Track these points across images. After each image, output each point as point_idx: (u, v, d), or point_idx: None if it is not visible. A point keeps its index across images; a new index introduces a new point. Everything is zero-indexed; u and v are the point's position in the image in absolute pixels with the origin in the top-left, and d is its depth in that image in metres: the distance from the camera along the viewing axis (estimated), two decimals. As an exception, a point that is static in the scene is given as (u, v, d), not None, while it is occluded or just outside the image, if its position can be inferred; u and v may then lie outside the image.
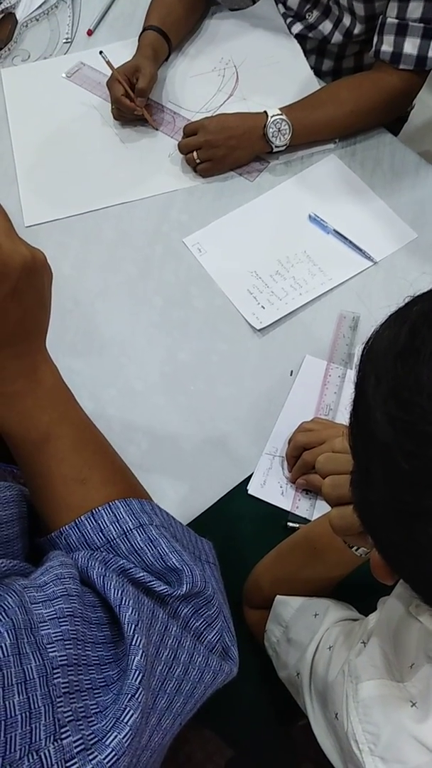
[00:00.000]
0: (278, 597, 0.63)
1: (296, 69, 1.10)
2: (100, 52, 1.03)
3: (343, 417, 0.81)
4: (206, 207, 0.99)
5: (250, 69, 1.10)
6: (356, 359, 0.37)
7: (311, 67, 1.10)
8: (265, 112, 0.97)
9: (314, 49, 1.13)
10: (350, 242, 0.94)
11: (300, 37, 1.11)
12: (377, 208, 0.97)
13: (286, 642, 0.61)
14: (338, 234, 0.94)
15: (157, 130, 1.05)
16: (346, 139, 1.03)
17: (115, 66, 1.01)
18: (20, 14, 1.20)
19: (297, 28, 1.11)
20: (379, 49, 0.96)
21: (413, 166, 1.01)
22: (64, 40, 1.17)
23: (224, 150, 0.97)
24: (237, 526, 0.76)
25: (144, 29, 1.06)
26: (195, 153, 0.98)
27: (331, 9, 1.05)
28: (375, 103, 0.99)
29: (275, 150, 0.99)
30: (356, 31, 1.02)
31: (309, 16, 1.08)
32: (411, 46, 0.93)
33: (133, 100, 1.00)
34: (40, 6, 1.20)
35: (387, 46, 0.94)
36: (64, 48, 1.16)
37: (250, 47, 1.12)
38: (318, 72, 1.12)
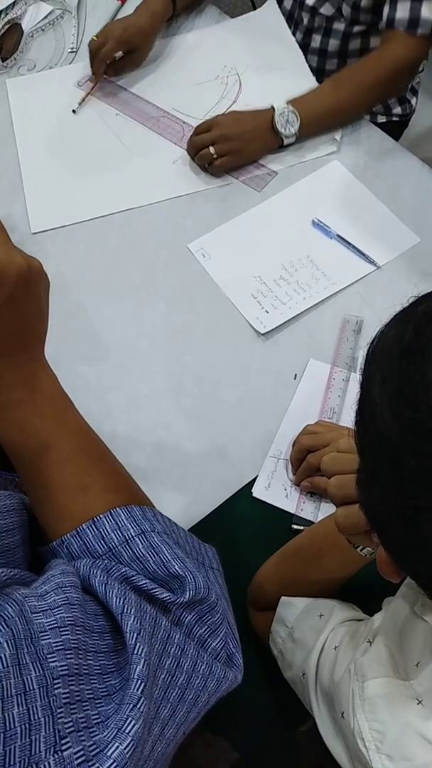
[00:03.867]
0: (283, 598, 0.64)
1: (298, 75, 1.11)
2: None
3: (347, 420, 0.82)
4: (210, 213, 1.00)
5: (253, 76, 1.12)
6: (360, 362, 0.37)
7: (317, 48, 1.11)
8: (272, 106, 0.99)
9: (321, 26, 1.14)
10: (353, 247, 0.94)
11: (313, 10, 1.12)
12: (380, 213, 0.98)
13: (292, 643, 0.61)
14: (341, 239, 0.95)
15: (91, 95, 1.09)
16: (349, 140, 1.04)
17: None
18: (26, 25, 1.21)
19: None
20: (392, 17, 0.96)
21: (416, 171, 1.02)
22: (69, 50, 1.18)
23: (239, 143, 0.99)
24: (242, 528, 0.77)
25: None
26: (211, 148, 0.99)
27: None
28: (378, 78, 1.00)
29: (285, 142, 1.01)
30: (363, 4, 1.03)
31: None
32: (428, 10, 0.94)
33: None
34: (45, 17, 1.22)
35: (402, 13, 0.95)
36: (69, 58, 1.18)
37: (252, 54, 1.14)
38: (324, 52, 1.13)
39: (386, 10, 0.98)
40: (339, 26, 1.12)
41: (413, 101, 1.27)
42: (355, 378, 0.84)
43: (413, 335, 0.34)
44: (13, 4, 1.22)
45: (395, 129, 1.25)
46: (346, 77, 1.02)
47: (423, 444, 0.31)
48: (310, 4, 1.12)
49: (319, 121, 1.02)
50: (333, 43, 1.15)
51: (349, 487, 0.44)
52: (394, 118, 1.25)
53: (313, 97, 1.01)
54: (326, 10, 1.11)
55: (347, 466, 0.50)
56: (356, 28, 1.12)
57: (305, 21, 1.15)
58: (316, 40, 1.16)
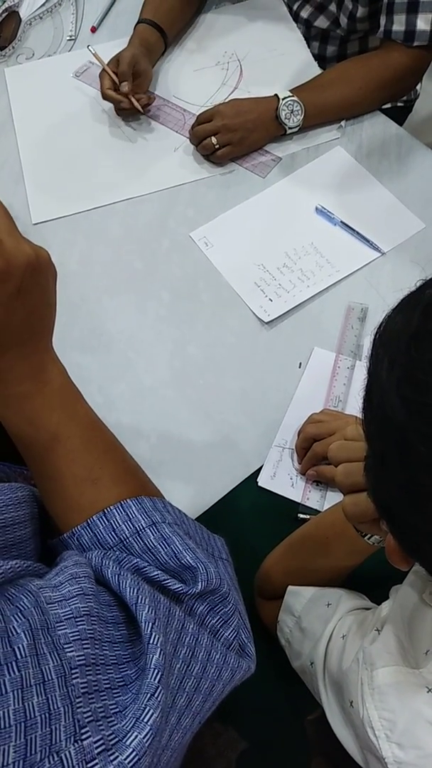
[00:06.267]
0: (290, 587, 0.63)
1: (300, 60, 1.10)
2: (88, 46, 1.04)
3: (352, 408, 0.81)
4: (212, 201, 0.99)
5: (254, 61, 1.10)
6: (365, 350, 0.37)
7: (315, 54, 1.10)
8: (276, 95, 0.98)
9: (318, 35, 1.13)
10: (357, 233, 0.93)
11: (307, 23, 1.11)
12: (384, 198, 0.97)
13: (299, 632, 0.61)
14: (345, 225, 0.94)
15: (157, 121, 1.05)
16: (353, 127, 1.03)
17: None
18: (24, 12, 1.20)
19: (307, 11, 1.11)
20: (389, 29, 0.95)
21: (420, 156, 1.01)
22: (68, 38, 1.17)
23: (242, 133, 0.98)
24: (247, 518, 0.76)
25: (138, 22, 1.06)
26: (213, 138, 0.98)
27: None
28: (383, 79, 1.00)
29: (289, 131, 1.00)
30: (359, 14, 1.02)
31: None
32: (424, 22, 0.93)
33: (119, 91, 1.00)
34: (43, 4, 1.21)
35: (399, 26, 0.94)
36: (68, 45, 1.16)
37: (252, 40, 1.12)
38: (322, 58, 1.12)
39: (383, 21, 0.96)
40: (336, 34, 1.11)
41: (418, 87, 1.25)
42: (361, 366, 0.83)
43: (421, 319, 0.33)
44: (10, -8, 1.20)
45: (399, 114, 1.24)
46: (353, 74, 1.00)
47: None
48: (304, 16, 1.12)
49: (324, 114, 1.01)
50: (331, 50, 1.15)
51: (357, 474, 0.43)
52: (399, 104, 1.24)
53: (318, 90, 0.99)
54: (321, 22, 1.10)
55: (355, 454, 0.50)
56: (353, 36, 1.11)
57: (301, 31, 1.14)
58: (314, 47, 1.14)
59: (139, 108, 1.02)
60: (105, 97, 1.01)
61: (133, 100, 1.01)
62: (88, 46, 1.05)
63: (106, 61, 1.02)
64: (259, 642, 0.67)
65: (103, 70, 1.01)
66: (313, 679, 0.57)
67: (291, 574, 0.65)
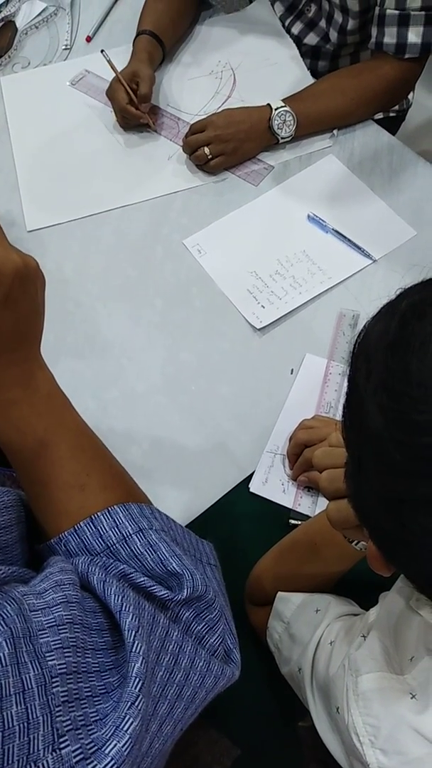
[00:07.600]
0: (280, 594, 0.63)
1: (293, 70, 1.11)
2: (102, 51, 1.04)
3: (344, 414, 0.81)
4: (206, 208, 0.99)
5: (247, 71, 1.11)
6: (354, 357, 0.37)
7: (308, 69, 1.11)
8: (269, 105, 0.99)
9: (308, 51, 1.14)
10: (349, 241, 0.94)
11: (298, 39, 1.12)
12: (376, 206, 0.97)
13: (288, 638, 0.61)
14: (337, 233, 0.95)
15: (158, 133, 1.06)
16: (345, 136, 1.04)
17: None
18: (20, 22, 1.21)
19: (298, 27, 1.12)
20: (380, 41, 0.96)
21: (411, 164, 1.01)
22: (64, 47, 1.18)
23: (234, 143, 0.99)
24: (239, 524, 0.77)
25: (137, 34, 1.07)
26: (206, 149, 0.98)
27: (322, 5, 1.07)
28: (375, 91, 1.00)
29: (281, 141, 1.01)
30: (349, 26, 1.03)
31: (308, 10, 1.09)
32: (415, 35, 0.93)
33: (138, 107, 1.01)
34: (39, 14, 1.22)
35: (390, 38, 0.95)
36: (64, 55, 1.17)
37: (246, 50, 1.13)
38: (313, 73, 1.13)
39: (374, 33, 0.97)
40: (327, 49, 1.12)
41: (410, 96, 1.26)
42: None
43: (398, 328, 0.34)
44: (6, 2, 1.22)
45: (391, 124, 1.25)
46: (345, 85, 1.01)
47: (407, 436, 0.31)
48: (295, 32, 1.13)
49: (316, 124, 1.02)
50: (322, 65, 1.16)
51: (340, 481, 0.44)
52: (391, 114, 1.25)
53: (310, 100, 1.00)
54: (310, 39, 1.11)
55: (338, 460, 0.50)
56: (344, 51, 1.12)
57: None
58: (306, 63, 1.15)
59: (154, 127, 1.04)
60: (124, 111, 1.01)
61: (150, 122, 1.03)
62: (101, 50, 1.04)
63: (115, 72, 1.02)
64: (255, 649, 0.68)
65: (118, 81, 1.01)
66: (301, 686, 0.57)
67: (281, 580, 0.65)
